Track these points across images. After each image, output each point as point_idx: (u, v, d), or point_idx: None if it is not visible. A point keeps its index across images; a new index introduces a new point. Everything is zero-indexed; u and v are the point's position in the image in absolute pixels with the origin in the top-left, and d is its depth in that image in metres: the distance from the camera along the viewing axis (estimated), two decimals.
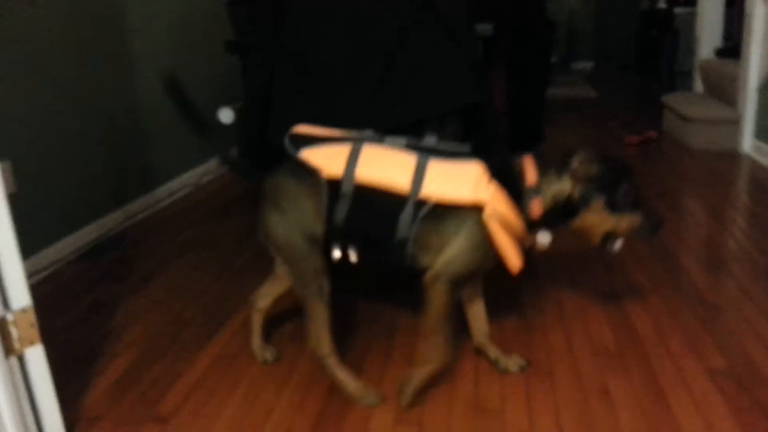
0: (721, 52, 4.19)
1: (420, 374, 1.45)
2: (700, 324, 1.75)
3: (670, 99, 4.19)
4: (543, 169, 1.43)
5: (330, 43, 2.11)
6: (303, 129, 1.51)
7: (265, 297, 1.65)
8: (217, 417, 1.45)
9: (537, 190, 1.42)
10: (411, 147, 1.43)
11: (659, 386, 1.49)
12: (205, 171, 3.50)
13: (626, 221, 1.45)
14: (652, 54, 5.59)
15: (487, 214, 1.35)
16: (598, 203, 1.42)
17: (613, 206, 1.43)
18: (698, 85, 4.38)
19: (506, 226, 1.37)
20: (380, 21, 2.11)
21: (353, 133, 1.49)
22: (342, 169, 1.40)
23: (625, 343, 1.68)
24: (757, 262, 2.17)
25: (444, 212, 1.38)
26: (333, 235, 1.46)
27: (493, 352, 1.61)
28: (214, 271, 2.26)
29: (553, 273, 2.12)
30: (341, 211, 1.42)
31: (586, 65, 7.76)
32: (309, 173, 1.43)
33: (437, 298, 1.41)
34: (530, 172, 1.42)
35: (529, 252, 1.47)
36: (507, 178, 1.40)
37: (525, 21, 3.13)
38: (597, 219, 1.44)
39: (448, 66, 2.10)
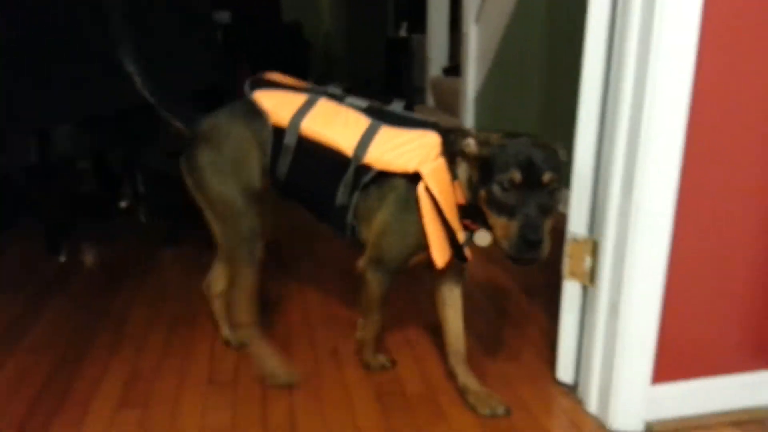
0: (446, 71, 4.74)
1: (359, 342, 1.48)
2: (424, 292, 1.94)
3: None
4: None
5: (56, 23, 1.96)
6: (272, 76, 1.37)
7: (220, 279, 1.52)
8: None
9: (456, 173, 1.22)
10: (371, 110, 1.30)
11: (386, 345, 1.62)
12: None
13: (500, 226, 1.11)
14: (396, 74, 6.12)
15: (420, 189, 1.20)
16: (482, 195, 1.14)
17: (491, 202, 1.12)
18: (430, 99, 4.90)
19: (438, 207, 1.20)
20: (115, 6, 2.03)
21: (318, 87, 1.37)
22: (288, 118, 1.28)
23: (354, 310, 1.78)
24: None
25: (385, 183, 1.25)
26: (276, 187, 1.34)
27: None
28: None
29: (300, 258, 2.20)
30: (283, 164, 1.29)
31: (341, 86, 8.22)
32: (257, 117, 1.30)
33: (367, 285, 1.34)
34: None
35: (459, 248, 1.26)
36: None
37: (260, 13, 3.22)
38: (488, 216, 1.15)
39: (187, 48, 2.09)
